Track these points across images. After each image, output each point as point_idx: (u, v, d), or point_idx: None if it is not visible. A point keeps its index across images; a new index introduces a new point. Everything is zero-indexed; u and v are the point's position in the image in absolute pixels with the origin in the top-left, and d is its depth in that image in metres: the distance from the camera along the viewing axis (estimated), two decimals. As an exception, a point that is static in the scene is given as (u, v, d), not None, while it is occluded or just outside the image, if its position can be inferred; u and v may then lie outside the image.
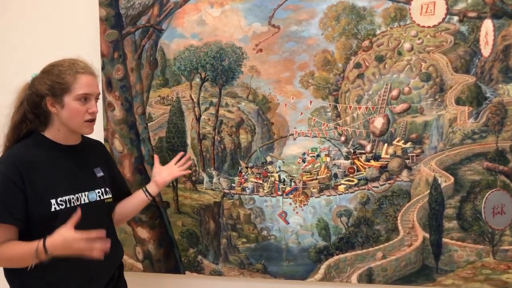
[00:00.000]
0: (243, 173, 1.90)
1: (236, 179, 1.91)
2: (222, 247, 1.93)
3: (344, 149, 1.83)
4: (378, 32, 1.77)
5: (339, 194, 1.84)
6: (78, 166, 1.56)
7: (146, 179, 1.95)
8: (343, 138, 1.83)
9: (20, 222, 1.47)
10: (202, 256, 1.95)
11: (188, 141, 1.94)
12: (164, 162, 1.94)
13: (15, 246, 1.44)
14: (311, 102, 1.83)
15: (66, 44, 1.92)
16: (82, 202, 1.51)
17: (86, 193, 1.53)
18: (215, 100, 1.91)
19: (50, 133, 1.55)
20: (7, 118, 1.57)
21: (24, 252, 1.41)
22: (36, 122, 1.56)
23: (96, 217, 1.54)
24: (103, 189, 1.58)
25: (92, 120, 1.52)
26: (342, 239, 1.85)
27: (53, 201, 1.45)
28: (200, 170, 1.93)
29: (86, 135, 1.62)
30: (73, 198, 1.49)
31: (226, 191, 1.92)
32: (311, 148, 1.85)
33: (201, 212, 1.94)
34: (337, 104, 1.82)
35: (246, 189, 1.90)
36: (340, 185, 1.84)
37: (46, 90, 1.51)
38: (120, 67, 1.96)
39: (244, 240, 1.91)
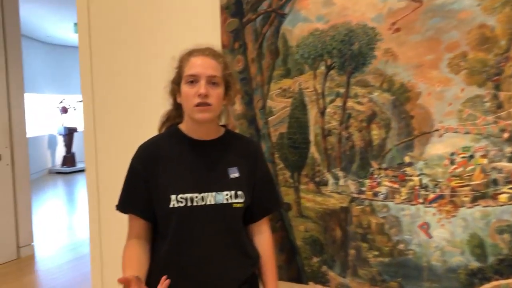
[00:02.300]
0: (375, 176, 1.63)
1: (367, 182, 1.65)
2: (350, 258, 1.69)
3: (507, 149, 1.45)
4: (559, -4, 1.35)
5: (499, 205, 1.46)
6: (209, 163, 1.44)
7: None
8: (506, 135, 1.45)
9: (142, 213, 1.44)
10: (328, 266, 1.74)
11: (311, 138, 1.73)
12: (284, 160, 1.78)
13: (126, 260, 1.41)
14: (462, 89, 1.48)
15: (187, 38, 1.86)
16: (208, 202, 1.39)
17: (214, 193, 1.40)
18: (342, 90, 1.66)
19: (183, 126, 1.49)
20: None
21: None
22: (176, 117, 1.54)
23: (222, 222, 1.41)
24: (233, 192, 1.41)
25: (204, 104, 1.36)
26: (503, 261, 1.47)
27: (173, 196, 1.38)
28: (325, 171, 1.71)
29: (232, 130, 1.55)
30: (196, 197, 1.38)
31: (355, 195, 1.67)
32: (462, 147, 1.50)
33: (326, 217, 1.72)
34: (498, 92, 1.45)
35: (379, 194, 1.63)
36: (501, 194, 1.46)
37: (172, 81, 1.48)
38: (241, 58, 1.84)
39: (376, 253, 1.64)
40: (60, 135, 10.36)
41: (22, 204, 4.44)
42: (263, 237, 1.53)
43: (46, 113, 10.14)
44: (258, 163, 1.52)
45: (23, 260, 4.35)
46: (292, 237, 1.79)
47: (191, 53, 1.42)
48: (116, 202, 1.48)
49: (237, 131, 1.85)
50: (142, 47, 2.13)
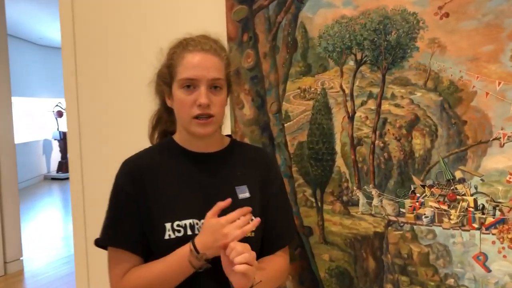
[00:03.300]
0: (418, 195, 1.33)
1: (407, 202, 1.35)
2: (386, 295, 1.40)
3: None
4: None
5: None
6: (212, 182, 1.17)
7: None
8: None
9: (135, 246, 1.15)
10: (357, 303, 1.44)
11: (337, 148, 1.44)
12: (304, 174, 1.49)
13: (150, 267, 1.12)
14: (530, 88, 1.19)
15: (185, 31, 1.58)
16: None
17: None
18: (376, 90, 1.37)
19: (177, 136, 1.21)
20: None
21: (167, 267, 1.09)
22: (168, 121, 1.26)
23: None
24: None
25: (205, 116, 1.10)
26: None
27: (168, 225, 1.10)
28: (354, 188, 1.42)
29: (239, 140, 1.35)
30: (197, 224, 1.11)
31: (392, 218, 1.37)
32: (531, 159, 1.21)
33: (356, 244, 1.43)
34: None
35: (423, 217, 1.33)
36: None
37: (160, 79, 1.20)
38: (251, 52, 1.55)
39: (419, 289, 1.35)
40: (56, 140, 10.07)
41: (10, 216, 4.15)
42: (273, 257, 1.22)
43: (40, 117, 9.86)
44: (271, 176, 1.24)
45: (10, 277, 4.05)
46: (314, 268, 1.49)
47: (185, 47, 1.13)
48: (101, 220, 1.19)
49: (246, 140, 1.56)
50: (133, 44, 1.85)
